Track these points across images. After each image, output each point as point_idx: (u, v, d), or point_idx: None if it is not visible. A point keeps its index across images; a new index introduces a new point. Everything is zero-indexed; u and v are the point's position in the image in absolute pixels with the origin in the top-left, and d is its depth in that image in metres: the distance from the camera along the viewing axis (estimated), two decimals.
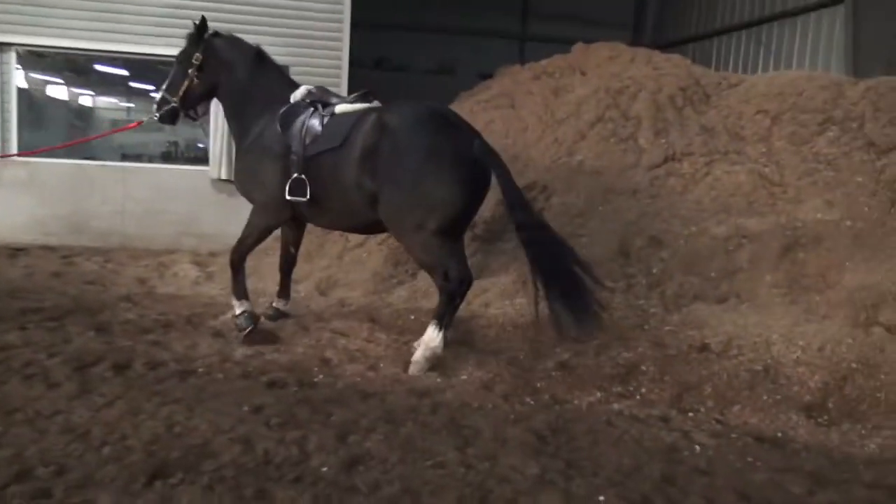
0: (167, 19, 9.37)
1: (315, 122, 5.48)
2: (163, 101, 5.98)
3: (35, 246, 9.12)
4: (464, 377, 5.14)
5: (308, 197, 5.40)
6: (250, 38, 9.39)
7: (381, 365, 5.33)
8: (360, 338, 5.89)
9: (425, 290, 6.69)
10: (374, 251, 7.51)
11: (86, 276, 8.09)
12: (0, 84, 9.11)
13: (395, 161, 5.03)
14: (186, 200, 9.59)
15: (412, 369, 5.18)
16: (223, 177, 9.45)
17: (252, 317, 5.84)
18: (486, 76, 17.84)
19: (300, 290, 7.26)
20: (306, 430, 4.12)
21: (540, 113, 8.15)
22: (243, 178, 5.94)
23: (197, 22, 5.88)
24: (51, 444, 3.82)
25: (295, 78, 9.63)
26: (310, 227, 7.91)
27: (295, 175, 5.42)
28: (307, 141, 5.43)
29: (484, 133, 8.04)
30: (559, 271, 4.90)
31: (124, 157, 10.80)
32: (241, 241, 5.91)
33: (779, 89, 7.34)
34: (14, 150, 9.15)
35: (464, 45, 18.25)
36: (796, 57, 13.39)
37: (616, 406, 4.76)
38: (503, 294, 6.38)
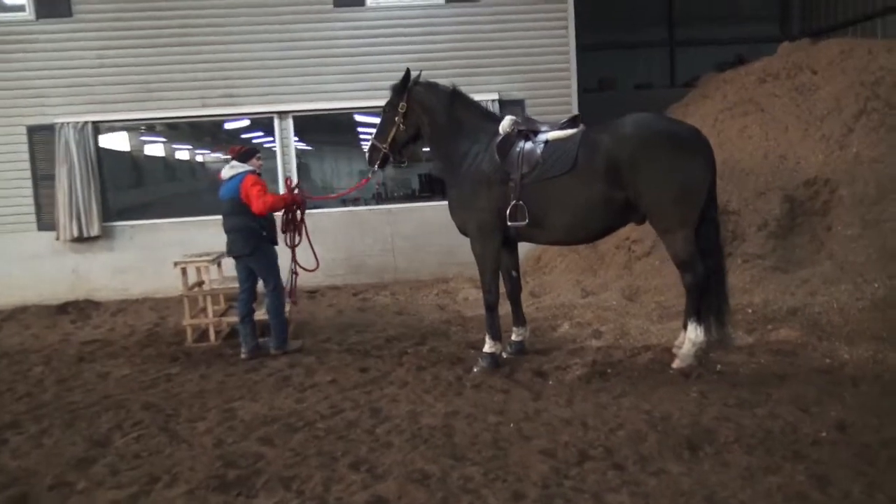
0: (414, 72, 10.37)
1: (532, 150, 5.86)
2: (373, 149, 6.49)
3: (324, 287, 10.21)
4: (846, 356, 5.66)
5: (527, 220, 5.80)
6: (488, 80, 10.49)
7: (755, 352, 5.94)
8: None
9: (738, 286, 7.26)
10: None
11: (388, 307, 9.08)
12: (281, 147, 10.31)
13: (651, 165, 5.46)
14: (445, 233, 10.46)
15: (678, 363, 5.71)
16: None
17: (496, 362, 6.10)
18: (642, 87, 18.51)
19: (607, 298, 7.96)
20: (769, 407, 4.76)
21: (796, 112, 8.63)
22: (459, 208, 6.25)
23: (410, 73, 6.42)
24: (568, 434, 4.60)
25: (530, 109, 10.64)
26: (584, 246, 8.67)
27: (514, 201, 5.83)
28: (525, 169, 5.82)
29: (742, 138, 8.69)
30: (721, 266, 5.87)
31: (343, 203, 11.92)
32: (483, 280, 6.24)
33: None
34: None
35: (615, 60, 18.80)
36: None
37: None
38: (826, 281, 6.89)
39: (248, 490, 4.13)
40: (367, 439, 4.76)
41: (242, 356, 6.92)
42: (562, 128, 6.05)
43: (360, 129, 11.95)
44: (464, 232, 6.40)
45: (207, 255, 8.06)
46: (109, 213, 10.21)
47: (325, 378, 6.19)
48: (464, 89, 9.39)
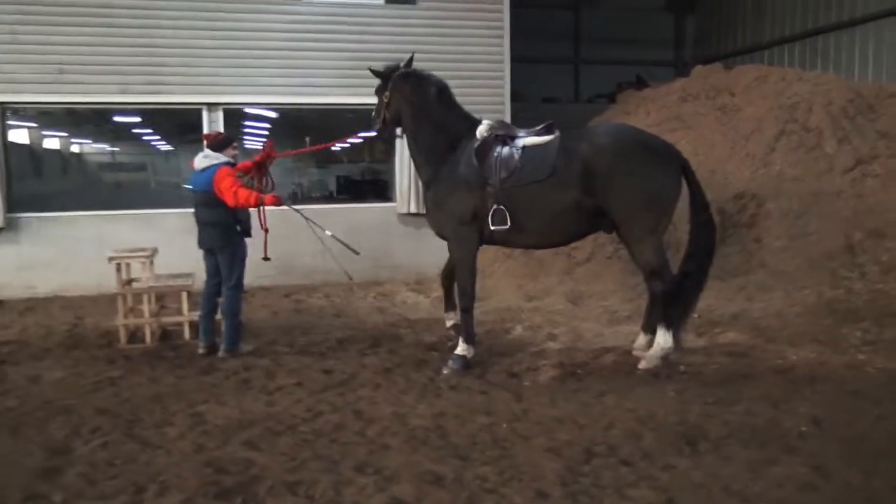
0: (349, 70, 10.24)
1: (509, 156, 5.91)
2: (373, 121, 6.62)
3: (254, 287, 9.82)
4: (793, 358, 6.08)
5: (509, 224, 5.85)
6: None
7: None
8: None
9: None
10: (605, 264, 8.44)
11: (325, 310, 8.87)
12: None
13: (625, 175, 5.64)
14: (377, 235, 10.37)
15: (644, 365, 5.89)
16: (411, 211, 10.27)
17: (466, 364, 6.05)
18: (549, 100, 19.07)
19: (552, 302, 8.14)
20: (745, 405, 5.03)
21: (721, 131, 9.20)
22: (436, 210, 6.29)
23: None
24: (566, 433, 4.67)
25: None
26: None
27: (495, 206, 5.87)
28: (503, 174, 5.86)
29: None
30: (705, 270, 6.05)
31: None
32: (461, 283, 6.18)
33: None
34: None
35: (523, 73, 19.23)
36: (858, 64, 14.71)
37: None
38: (760, 288, 7.40)
39: (252, 497, 3.90)
40: (362, 442, 4.62)
41: (200, 351, 6.72)
42: (538, 134, 6.09)
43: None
44: (440, 235, 6.40)
45: (142, 250, 7.56)
46: (15, 203, 9.36)
47: (288, 381, 5.95)
48: None
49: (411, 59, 6.48)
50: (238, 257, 6.65)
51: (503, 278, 9.19)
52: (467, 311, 6.18)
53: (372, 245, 10.36)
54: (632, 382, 5.64)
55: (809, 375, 5.63)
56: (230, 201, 6.29)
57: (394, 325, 7.94)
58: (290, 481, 4.05)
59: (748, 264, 7.83)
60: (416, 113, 6.31)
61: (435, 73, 10.45)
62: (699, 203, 6.04)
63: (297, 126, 12.37)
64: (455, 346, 6.25)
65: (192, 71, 9.63)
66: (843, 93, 8.98)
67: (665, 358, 5.94)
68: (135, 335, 7.42)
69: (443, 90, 6.38)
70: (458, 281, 6.26)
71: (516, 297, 8.53)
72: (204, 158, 6.47)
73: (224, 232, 6.53)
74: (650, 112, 10.63)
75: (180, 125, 10.84)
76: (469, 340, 6.17)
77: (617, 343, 6.71)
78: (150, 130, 12.11)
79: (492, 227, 5.93)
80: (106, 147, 12.42)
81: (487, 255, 9.84)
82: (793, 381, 5.53)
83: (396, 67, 6.42)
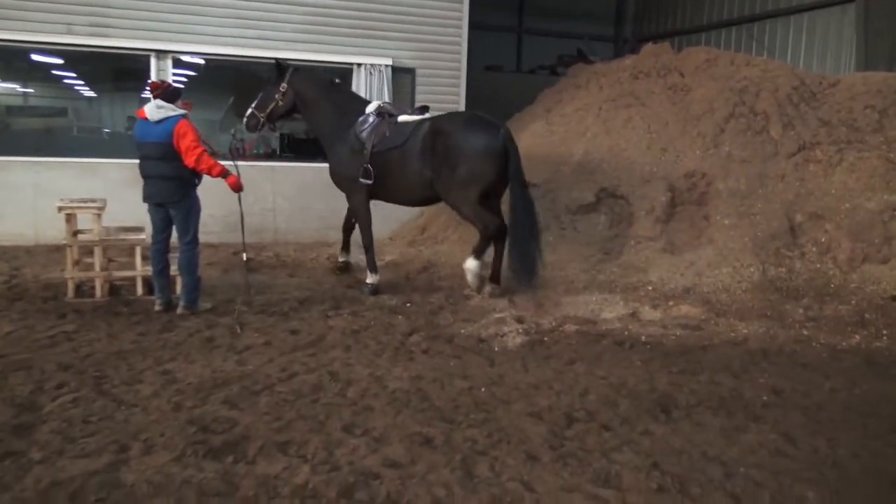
0: (307, 26, 9.97)
1: (383, 128, 7.45)
2: (251, 117, 7.73)
3: (201, 244, 9.51)
4: (744, 331, 6.40)
5: (373, 180, 7.36)
6: (382, 44, 10.31)
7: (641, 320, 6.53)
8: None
9: (636, 265, 7.88)
10: (560, 234, 8.59)
11: (278, 269, 8.72)
12: None
13: (449, 154, 7.06)
14: (329, 196, 10.19)
15: (469, 284, 7.43)
16: None
17: (376, 290, 7.54)
18: (491, 68, 19.04)
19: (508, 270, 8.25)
20: (707, 375, 5.29)
21: (673, 110, 9.42)
22: (334, 170, 7.83)
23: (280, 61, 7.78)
24: (544, 398, 4.81)
25: (420, 80, 10.66)
26: None
27: (365, 165, 7.35)
28: (375, 140, 7.39)
29: (626, 128, 9.41)
30: (525, 238, 7.11)
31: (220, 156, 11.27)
32: (360, 226, 7.79)
33: (877, 87, 8.99)
34: None
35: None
36: (790, 52, 15.34)
37: (877, 344, 6.18)
38: (709, 264, 7.68)
39: (243, 456, 3.87)
40: (344, 403, 4.63)
41: (157, 308, 6.56)
42: (413, 113, 7.72)
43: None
44: (340, 188, 7.91)
45: (93, 201, 7.22)
46: None
47: (256, 340, 5.88)
48: (359, 51, 9.80)
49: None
50: (194, 211, 6.50)
51: (457, 244, 9.23)
52: (368, 249, 7.68)
53: (322, 206, 10.27)
54: (598, 350, 5.83)
55: (762, 348, 5.95)
56: (190, 162, 6.12)
57: (351, 287, 7.89)
58: (279, 441, 4.04)
59: (697, 240, 8.12)
60: (315, 98, 7.69)
61: (395, 34, 10.43)
62: (518, 181, 7.14)
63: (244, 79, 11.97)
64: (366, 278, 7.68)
65: (143, 15, 9.15)
66: (789, 80, 9.35)
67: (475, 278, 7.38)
68: (80, 289, 7.11)
69: (334, 81, 8.16)
70: (358, 225, 7.80)
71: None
72: (158, 109, 6.17)
73: (181, 186, 6.35)
74: (603, 87, 10.79)
75: (121, 71, 10.34)
76: (373, 270, 7.65)
77: (576, 312, 6.88)
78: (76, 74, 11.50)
79: (360, 180, 7.42)
80: (40, 91, 11.73)
81: (440, 221, 9.89)
82: (748, 352, 5.85)
83: (288, 65, 7.73)
